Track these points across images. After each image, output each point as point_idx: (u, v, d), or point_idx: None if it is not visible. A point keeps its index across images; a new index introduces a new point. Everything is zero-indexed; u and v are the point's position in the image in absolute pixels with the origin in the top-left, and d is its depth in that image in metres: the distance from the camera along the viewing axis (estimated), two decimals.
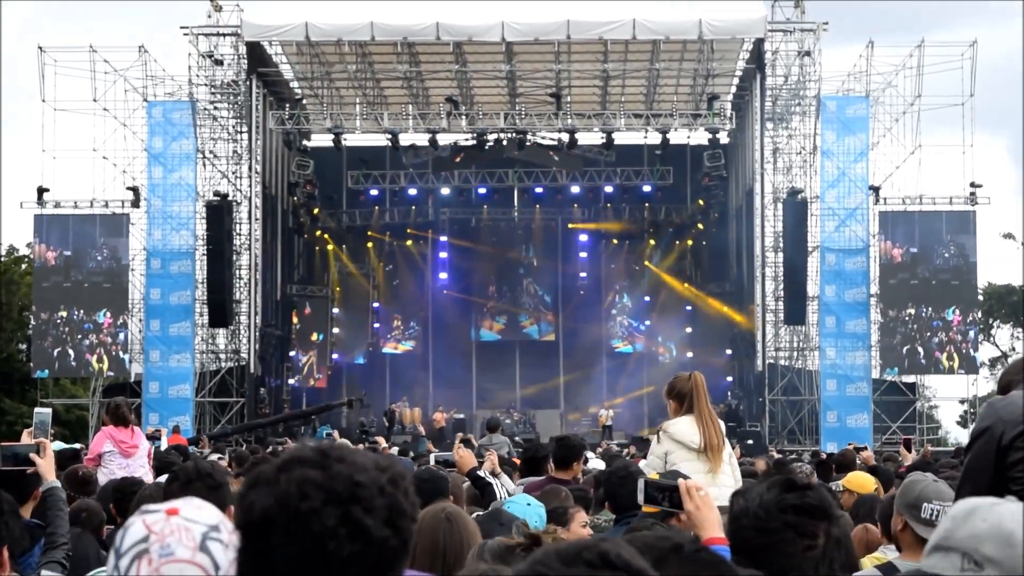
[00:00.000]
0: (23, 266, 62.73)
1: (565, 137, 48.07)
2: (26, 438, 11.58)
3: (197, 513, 3.07)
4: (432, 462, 12.66)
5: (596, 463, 18.76)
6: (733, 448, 10.32)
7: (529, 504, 8.17)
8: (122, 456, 14.54)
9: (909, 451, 18.12)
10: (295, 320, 54.27)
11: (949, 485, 6.92)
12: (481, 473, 10.23)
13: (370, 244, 56.77)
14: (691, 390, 9.68)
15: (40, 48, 44.72)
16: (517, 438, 37.87)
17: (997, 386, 6.40)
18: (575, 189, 53.95)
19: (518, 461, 15.64)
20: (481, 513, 8.11)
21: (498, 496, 9.72)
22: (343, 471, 2.42)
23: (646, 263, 57.14)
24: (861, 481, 12.28)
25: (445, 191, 54.31)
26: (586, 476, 13.02)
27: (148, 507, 3.14)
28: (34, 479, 8.49)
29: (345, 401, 46.21)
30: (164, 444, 23.59)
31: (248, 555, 2.40)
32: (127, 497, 9.57)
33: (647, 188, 53.58)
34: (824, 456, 23.49)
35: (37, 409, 12.09)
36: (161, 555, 3.02)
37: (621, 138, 49.74)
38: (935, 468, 12.53)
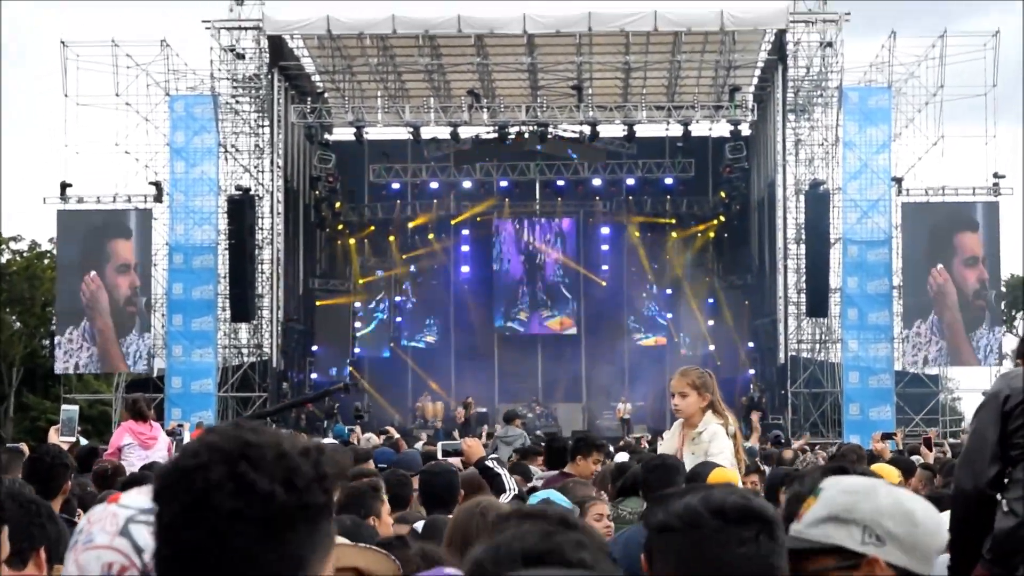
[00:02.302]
0: (46, 261, 62.94)
1: (587, 130, 48.07)
2: (53, 435, 11.66)
3: (134, 499, 3.11)
4: (440, 452, 12.67)
5: (620, 456, 18.72)
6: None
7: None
8: (141, 448, 14.78)
9: (930, 449, 18.01)
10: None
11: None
12: (489, 464, 10.23)
13: (392, 238, 56.75)
14: (714, 387, 9.87)
15: (62, 42, 44.82)
16: (539, 432, 37.90)
17: (1017, 351, 6.39)
18: (597, 182, 53.96)
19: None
20: None
21: (506, 487, 9.72)
22: (240, 434, 2.40)
23: (667, 256, 57.06)
24: (886, 472, 12.26)
25: (467, 184, 54.31)
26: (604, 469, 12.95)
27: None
28: (63, 472, 8.48)
29: (340, 386, 45.91)
30: (187, 438, 23.61)
31: (156, 523, 2.42)
32: None
33: (669, 180, 53.50)
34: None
35: (64, 407, 12.19)
36: (84, 543, 3.08)
37: (642, 130, 49.67)
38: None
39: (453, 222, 56.74)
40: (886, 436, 21.12)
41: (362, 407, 47.41)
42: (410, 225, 56.41)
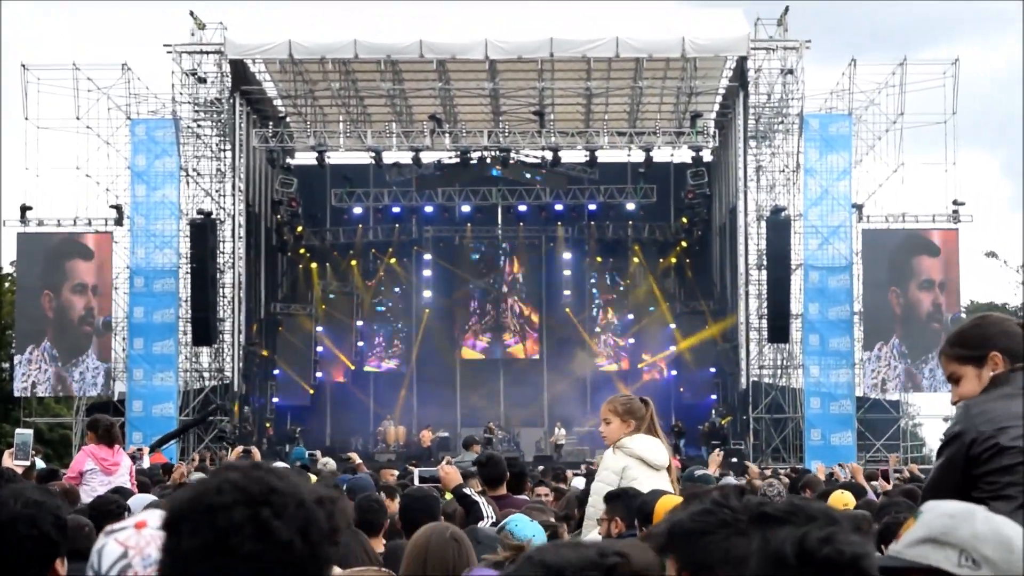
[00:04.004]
0: (6, 284, 62.60)
1: (549, 155, 48.14)
2: (7, 459, 11.59)
3: None
4: (416, 479, 12.65)
5: (578, 481, 18.74)
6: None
7: (533, 521, 8.19)
8: (104, 474, 14.60)
9: (888, 481, 18.09)
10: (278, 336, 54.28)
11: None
12: (467, 491, 10.23)
13: (354, 262, 56.72)
14: (650, 414, 9.86)
15: (23, 66, 44.68)
16: None
17: (956, 339, 6.15)
18: (559, 207, 54.03)
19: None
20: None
21: (484, 514, 9.72)
22: (265, 478, 2.45)
23: (629, 281, 57.20)
24: (844, 498, 12.37)
25: (429, 209, 54.35)
26: (566, 495, 12.99)
27: (112, 526, 3.19)
28: None
29: (214, 408, 45.37)
30: (147, 463, 23.57)
31: (165, 551, 2.44)
32: (105, 516, 9.50)
33: (630, 206, 53.62)
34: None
35: (18, 431, 12.11)
36: (145, 565, 3.06)
37: (604, 156, 49.78)
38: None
39: (415, 247, 56.84)
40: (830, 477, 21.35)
41: (229, 432, 46.66)
42: (371, 250, 56.48)
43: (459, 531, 6.70)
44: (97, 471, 14.62)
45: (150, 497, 11.00)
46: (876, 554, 3.09)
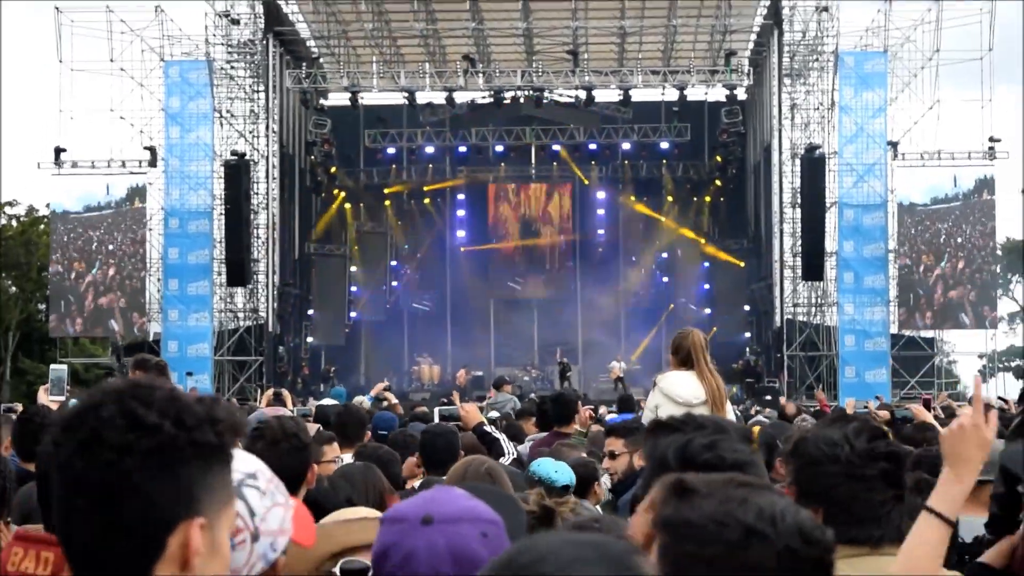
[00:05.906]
0: (41, 226, 62.94)
1: (582, 94, 47.97)
2: (43, 395, 11.66)
3: (234, 463, 3.11)
4: (436, 417, 12.70)
5: (610, 417, 18.74)
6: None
7: (557, 471, 8.19)
8: None
9: (929, 410, 18.04)
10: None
11: None
12: (487, 429, 10.26)
13: (388, 202, 56.79)
14: (688, 346, 9.76)
15: (57, 8, 44.71)
16: (533, 395, 37.92)
17: None
18: (592, 147, 53.90)
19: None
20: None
21: (505, 452, 9.75)
22: (135, 380, 2.51)
23: (663, 220, 57.01)
24: None
25: (462, 149, 54.28)
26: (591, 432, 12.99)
27: None
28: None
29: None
30: None
31: (55, 468, 2.49)
32: None
33: (665, 145, 53.48)
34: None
35: (53, 366, 12.19)
36: None
37: (638, 95, 49.63)
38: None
39: (449, 185, 56.81)
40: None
41: (116, 369, 46.25)
42: (404, 190, 56.50)
43: (495, 464, 6.76)
44: None
45: None
46: (761, 464, 3.10)
